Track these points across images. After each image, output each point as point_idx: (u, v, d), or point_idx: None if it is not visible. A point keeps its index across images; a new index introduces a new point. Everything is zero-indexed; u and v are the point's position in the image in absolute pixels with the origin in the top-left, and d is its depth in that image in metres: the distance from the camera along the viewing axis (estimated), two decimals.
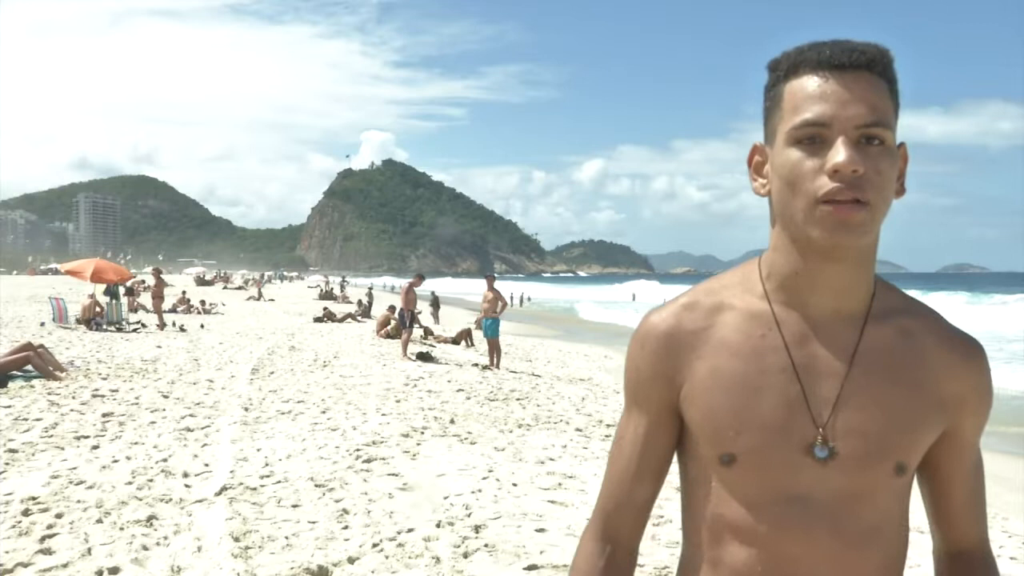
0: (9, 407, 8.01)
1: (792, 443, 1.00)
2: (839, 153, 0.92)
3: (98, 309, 18.59)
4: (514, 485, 5.77)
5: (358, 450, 6.63)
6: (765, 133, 1.03)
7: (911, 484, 1.06)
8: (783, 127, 0.97)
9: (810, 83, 0.96)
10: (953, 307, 40.41)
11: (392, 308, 20.60)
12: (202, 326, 20.90)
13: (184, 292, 30.93)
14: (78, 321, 18.48)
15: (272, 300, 41.19)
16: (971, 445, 1.09)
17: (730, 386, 1.02)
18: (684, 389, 1.06)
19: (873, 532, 1.01)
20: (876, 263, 1.04)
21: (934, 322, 1.06)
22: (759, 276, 1.07)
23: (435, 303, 30.53)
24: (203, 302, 29.45)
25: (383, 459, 6.39)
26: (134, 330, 18.61)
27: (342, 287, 47.93)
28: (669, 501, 4.20)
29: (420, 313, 17.90)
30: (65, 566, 3.90)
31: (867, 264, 1.02)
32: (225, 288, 56.33)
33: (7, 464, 5.81)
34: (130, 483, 5.41)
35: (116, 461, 6.03)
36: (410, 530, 4.63)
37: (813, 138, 0.94)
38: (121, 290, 22.39)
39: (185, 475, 5.69)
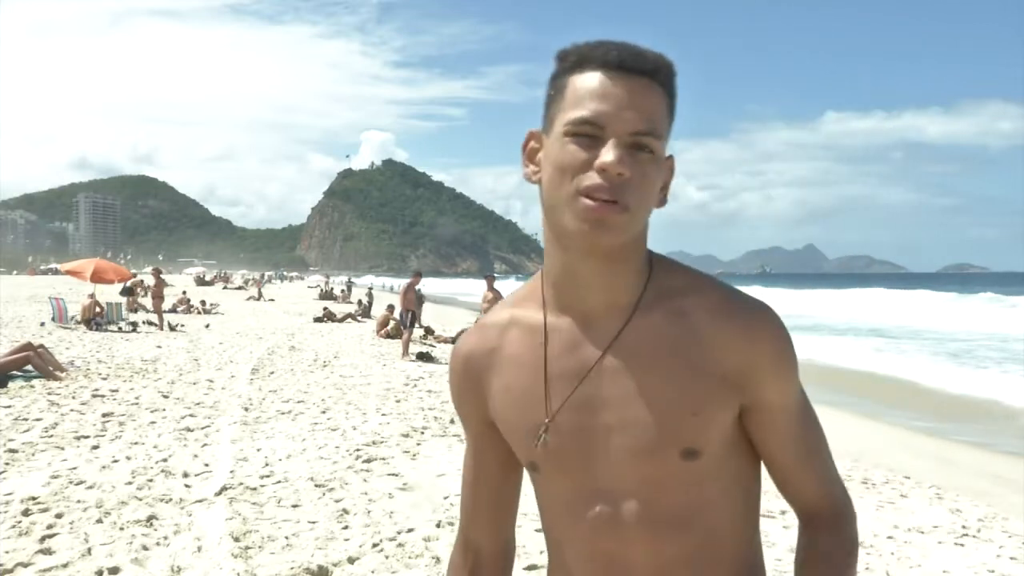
0: (9, 407, 8.01)
1: (532, 443, 1.06)
2: (609, 153, 0.93)
3: (98, 309, 18.59)
4: None
5: (358, 450, 6.63)
6: (543, 121, 1.03)
7: (728, 464, 1.04)
8: (562, 118, 0.97)
9: (593, 80, 0.96)
10: (950, 306, 40.42)
11: (391, 308, 20.59)
12: (207, 326, 20.84)
13: (184, 292, 30.94)
14: (78, 321, 18.47)
15: (272, 300, 41.19)
16: (783, 410, 1.04)
17: (519, 398, 1.07)
18: (490, 406, 1.12)
19: (683, 519, 1.02)
20: (643, 253, 1.04)
21: (712, 297, 1.02)
22: (540, 283, 1.09)
23: (419, 300, 30.68)
24: (203, 302, 29.46)
25: (383, 459, 6.39)
26: (133, 329, 18.61)
27: (349, 289, 46.83)
28: None
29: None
30: (65, 566, 3.90)
31: (632, 259, 1.02)
32: (225, 288, 56.32)
33: (7, 464, 5.81)
34: (130, 483, 5.41)
35: (116, 461, 6.03)
36: (410, 530, 4.63)
37: (588, 135, 0.95)
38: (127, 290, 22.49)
39: (185, 475, 5.69)
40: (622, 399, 1.01)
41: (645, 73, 0.96)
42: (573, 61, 0.98)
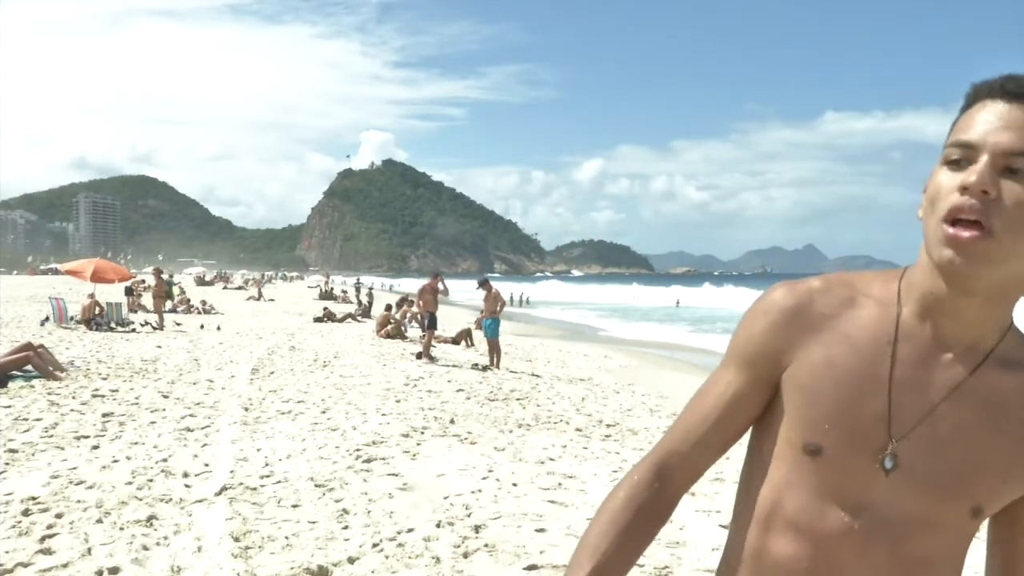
0: (9, 407, 8.01)
1: (867, 449, 1.00)
2: (974, 171, 0.91)
3: (98, 309, 18.59)
4: (514, 485, 5.77)
5: (358, 450, 6.63)
6: None
7: (977, 530, 1.04)
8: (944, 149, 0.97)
9: (978, 110, 0.96)
10: None
11: (390, 307, 20.59)
12: (219, 328, 20.43)
13: (183, 292, 30.94)
14: (78, 321, 18.47)
15: (272, 300, 41.19)
16: None
17: (839, 379, 1.02)
18: (792, 367, 1.05)
19: (928, 566, 1.01)
20: (1015, 304, 1.02)
21: None
22: (898, 285, 1.06)
23: (369, 295, 31.54)
24: (203, 302, 29.47)
25: (383, 459, 6.39)
26: (132, 329, 18.61)
27: (357, 290, 46.17)
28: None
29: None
30: (65, 566, 3.90)
31: (1001, 303, 1.00)
32: (225, 288, 56.30)
33: (7, 464, 5.81)
34: (130, 483, 5.41)
35: (116, 461, 6.03)
36: (410, 530, 4.63)
37: (961, 159, 0.94)
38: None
39: (185, 475, 5.69)
40: (941, 433, 0.99)
41: None
42: (972, 95, 0.98)
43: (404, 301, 22.75)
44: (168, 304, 23.76)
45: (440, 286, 14.93)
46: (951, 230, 0.92)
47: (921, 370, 1.01)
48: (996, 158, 0.91)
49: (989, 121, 0.93)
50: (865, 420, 1.00)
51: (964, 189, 0.91)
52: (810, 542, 1.02)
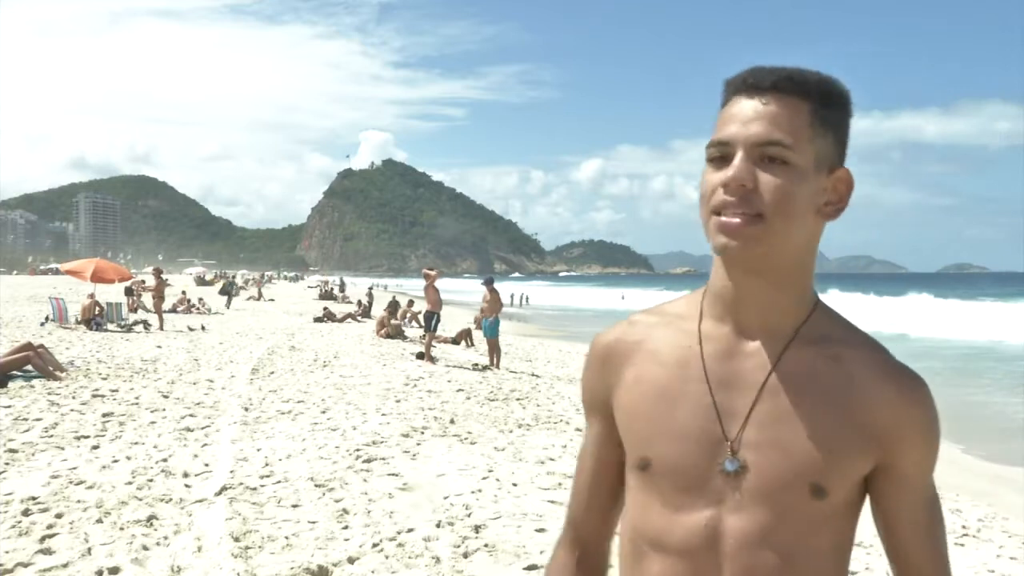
0: (9, 407, 8.01)
1: (703, 454, 1.02)
2: (731, 168, 0.97)
3: (98, 309, 18.59)
4: (514, 485, 5.77)
5: (358, 450, 6.63)
6: None
7: (842, 519, 1.03)
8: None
9: (730, 107, 1.01)
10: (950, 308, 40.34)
11: (390, 307, 20.60)
12: (203, 327, 20.69)
13: (184, 292, 30.96)
14: (78, 321, 18.47)
15: (272, 300, 41.20)
16: (915, 481, 1.04)
17: (649, 392, 1.06)
18: (615, 397, 1.11)
19: (786, 556, 0.99)
20: (807, 284, 1.04)
21: (870, 353, 1.04)
22: (701, 296, 1.10)
23: (369, 295, 31.64)
24: (201, 300, 29.52)
25: (383, 459, 6.39)
26: (130, 329, 18.60)
27: (342, 288, 45.98)
28: None
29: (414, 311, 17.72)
30: (65, 566, 3.90)
31: (791, 282, 1.03)
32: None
33: (7, 464, 5.81)
34: (130, 483, 5.41)
35: (116, 461, 6.03)
36: (410, 530, 4.63)
37: (720, 156, 0.99)
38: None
39: (185, 475, 5.69)
40: (767, 420, 1.01)
41: (771, 88, 0.98)
42: (724, 93, 1.04)
43: (394, 305, 22.54)
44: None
45: (432, 272, 14.92)
46: (721, 219, 0.97)
47: (733, 364, 1.04)
48: (750, 151, 0.97)
49: (739, 116, 0.98)
50: (692, 426, 1.03)
51: (725, 186, 0.96)
52: (672, 557, 1.03)
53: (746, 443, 1.01)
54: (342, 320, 25.09)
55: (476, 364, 14.64)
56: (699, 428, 1.02)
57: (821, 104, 0.99)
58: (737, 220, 0.96)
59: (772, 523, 0.99)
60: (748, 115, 0.98)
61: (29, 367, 10.01)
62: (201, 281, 62.88)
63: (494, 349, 14.35)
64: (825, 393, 1.01)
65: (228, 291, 34.47)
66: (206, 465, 6.02)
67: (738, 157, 0.96)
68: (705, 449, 1.02)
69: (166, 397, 9.09)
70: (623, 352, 1.11)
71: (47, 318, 19.06)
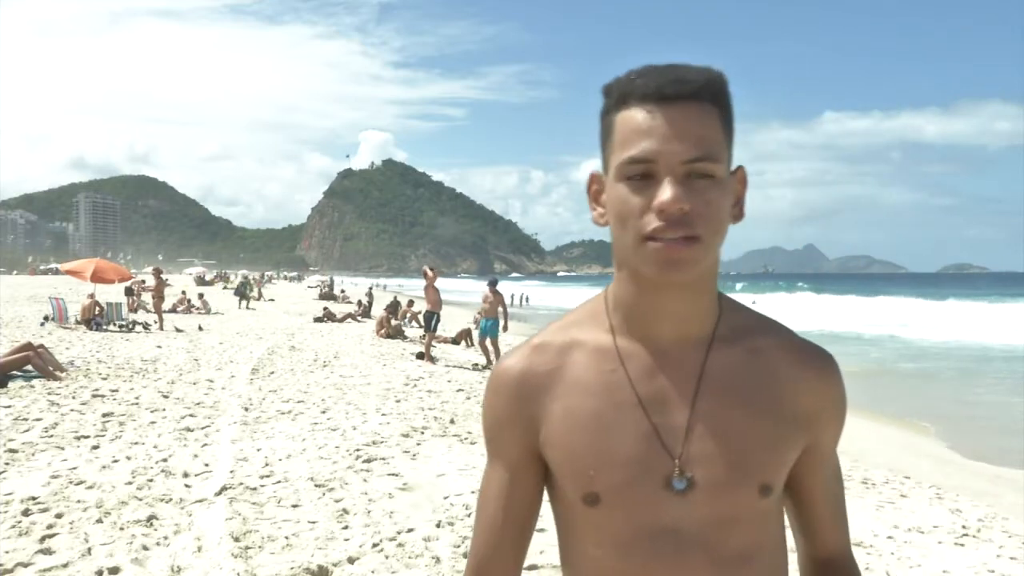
0: (9, 407, 8.01)
1: (651, 477, 0.99)
2: (665, 192, 0.90)
3: (98, 309, 18.59)
4: None
5: (358, 450, 6.63)
6: (601, 161, 1.01)
7: (780, 508, 1.06)
8: (614, 160, 0.95)
9: (637, 116, 0.93)
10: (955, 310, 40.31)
11: (390, 307, 20.59)
12: (200, 328, 20.69)
13: (184, 292, 30.96)
14: (78, 321, 18.47)
15: (272, 300, 41.19)
16: (829, 455, 1.08)
17: (586, 425, 1.01)
18: (542, 432, 1.04)
19: (747, 557, 1.00)
20: (716, 285, 1.03)
21: (783, 338, 1.05)
22: (605, 308, 1.06)
23: (369, 295, 31.67)
24: (200, 296, 29.53)
25: (383, 459, 6.38)
26: (131, 329, 18.60)
27: (331, 287, 45.46)
28: None
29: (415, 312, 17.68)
30: (65, 566, 3.90)
31: (707, 289, 1.01)
32: (225, 288, 56.27)
33: (7, 464, 5.81)
34: (130, 483, 5.41)
35: (116, 461, 6.03)
36: (410, 530, 4.63)
37: (641, 175, 0.92)
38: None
39: (185, 475, 5.69)
40: (707, 432, 0.99)
41: (689, 96, 0.93)
42: (616, 97, 0.96)
43: (394, 305, 22.53)
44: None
45: (429, 272, 14.89)
46: (662, 246, 0.91)
47: (660, 380, 1.01)
48: (676, 170, 0.91)
49: (657, 130, 0.92)
50: (635, 454, 0.99)
51: (661, 212, 0.90)
52: None
53: (691, 459, 0.98)
54: (342, 320, 25.09)
55: (476, 364, 14.64)
56: (643, 454, 0.99)
57: (726, 106, 0.96)
58: (679, 245, 0.91)
59: (727, 531, 0.99)
60: (665, 130, 0.91)
61: (29, 367, 10.01)
62: (201, 281, 62.85)
63: (494, 349, 14.32)
64: (754, 392, 1.01)
65: (243, 292, 34.03)
66: (206, 465, 6.02)
67: (668, 179, 0.90)
68: (653, 474, 0.99)
69: (166, 397, 9.09)
70: (539, 384, 1.04)
71: (47, 318, 19.07)
